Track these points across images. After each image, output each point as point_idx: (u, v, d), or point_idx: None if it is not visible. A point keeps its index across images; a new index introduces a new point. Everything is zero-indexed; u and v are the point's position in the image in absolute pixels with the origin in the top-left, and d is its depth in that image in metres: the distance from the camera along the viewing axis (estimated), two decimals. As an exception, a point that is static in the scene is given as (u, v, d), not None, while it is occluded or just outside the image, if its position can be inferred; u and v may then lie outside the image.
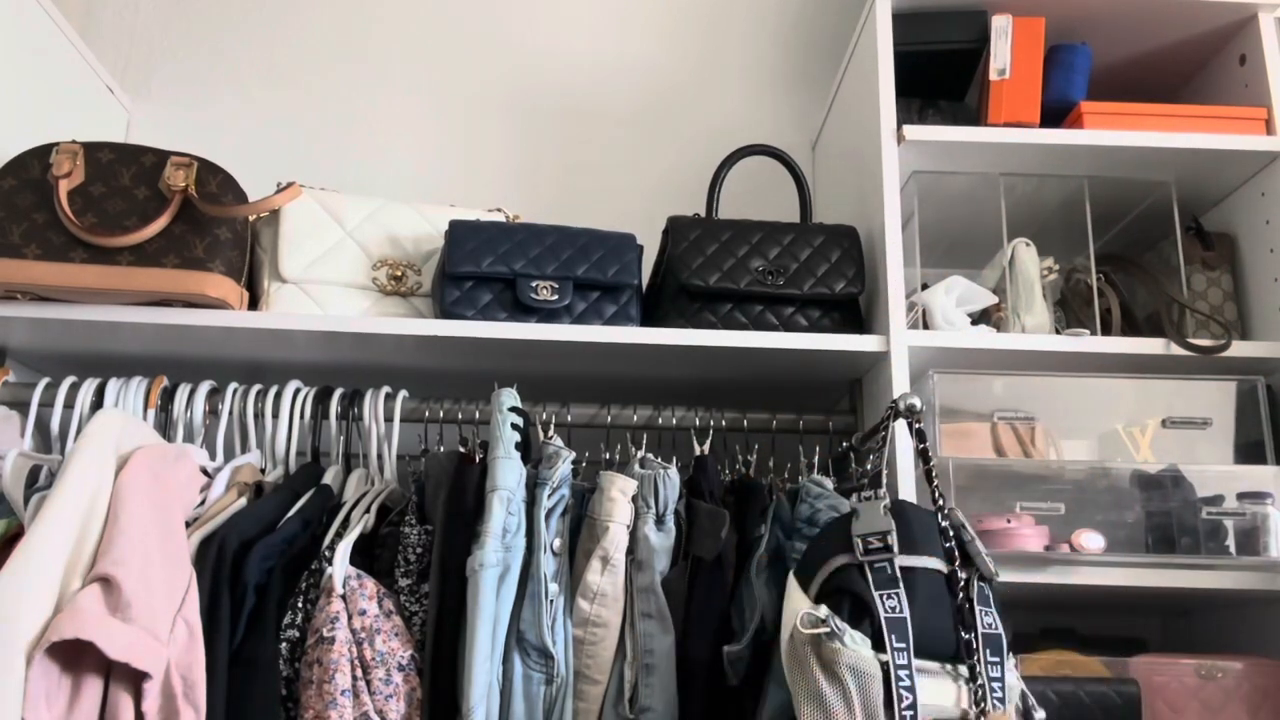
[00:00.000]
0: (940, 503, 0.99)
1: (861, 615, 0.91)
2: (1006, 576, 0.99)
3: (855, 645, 0.88)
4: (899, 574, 0.92)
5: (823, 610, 0.90)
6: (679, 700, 1.04)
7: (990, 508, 1.14)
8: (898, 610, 0.90)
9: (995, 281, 1.36)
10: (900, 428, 1.14)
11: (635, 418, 1.27)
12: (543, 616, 1.05)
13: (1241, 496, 1.17)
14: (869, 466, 1.10)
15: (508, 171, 1.76)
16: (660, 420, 1.27)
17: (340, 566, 1.03)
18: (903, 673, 0.87)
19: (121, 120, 1.71)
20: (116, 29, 1.79)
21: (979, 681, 0.90)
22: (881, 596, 0.90)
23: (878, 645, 0.89)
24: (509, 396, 1.15)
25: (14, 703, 0.85)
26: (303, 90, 1.78)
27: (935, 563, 0.95)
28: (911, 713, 0.86)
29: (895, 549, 0.92)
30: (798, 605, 0.94)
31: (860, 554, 0.93)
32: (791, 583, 0.98)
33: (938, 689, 0.90)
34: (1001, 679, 0.90)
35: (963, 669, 0.92)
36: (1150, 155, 1.34)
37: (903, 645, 0.88)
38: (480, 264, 1.26)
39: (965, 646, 0.92)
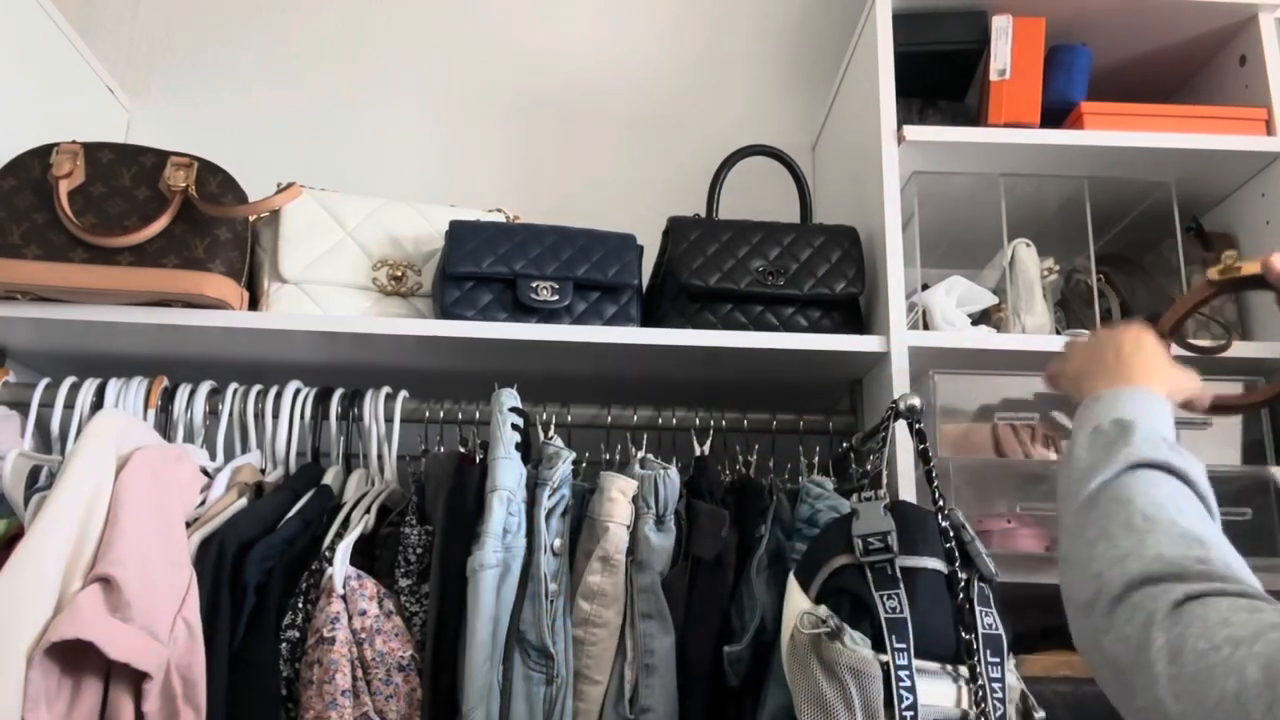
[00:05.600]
0: (940, 503, 0.99)
1: (862, 616, 0.91)
2: (1007, 577, 0.99)
3: (856, 646, 0.88)
4: (899, 574, 0.92)
5: (823, 610, 0.90)
6: (679, 700, 1.04)
7: (990, 508, 1.14)
8: (898, 611, 0.90)
9: (995, 282, 1.36)
10: (900, 428, 1.14)
11: (635, 418, 1.27)
12: (543, 617, 1.05)
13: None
14: (869, 467, 1.10)
15: (508, 172, 1.76)
16: (660, 421, 1.27)
17: (340, 567, 1.03)
18: (903, 673, 0.87)
19: (121, 120, 1.71)
20: (116, 29, 1.79)
21: (979, 682, 0.90)
22: (882, 597, 0.90)
23: (878, 646, 0.89)
24: (509, 397, 1.15)
25: (14, 703, 0.85)
26: (303, 90, 1.78)
27: (935, 563, 0.95)
28: (912, 713, 0.86)
29: (896, 549, 0.92)
30: (798, 605, 0.94)
31: (861, 554, 0.93)
32: (792, 583, 0.98)
33: (938, 690, 0.90)
34: (1002, 679, 0.90)
35: (963, 669, 0.92)
36: (1150, 156, 1.34)
37: (903, 646, 0.88)
38: (480, 264, 1.26)
39: (965, 647, 0.92)
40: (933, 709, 0.88)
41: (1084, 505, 0.74)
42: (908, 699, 0.86)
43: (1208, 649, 0.57)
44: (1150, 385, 0.85)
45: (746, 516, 1.16)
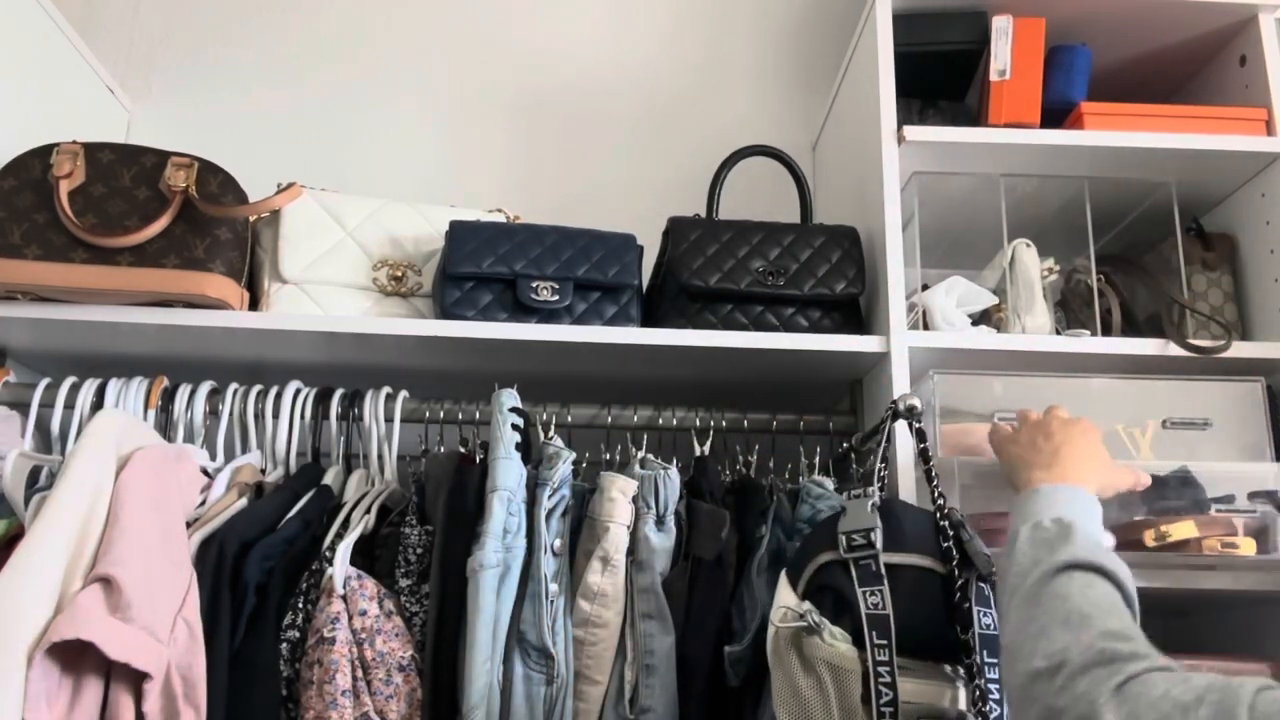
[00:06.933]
0: (940, 502, 0.99)
1: (844, 612, 0.91)
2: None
3: (834, 641, 0.88)
4: (884, 571, 0.92)
5: (804, 606, 0.91)
6: (679, 700, 1.05)
7: (997, 507, 1.14)
8: (880, 607, 0.90)
9: (996, 282, 1.35)
10: (900, 428, 1.14)
11: (635, 418, 1.27)
12: (543, 617, 1.05)
13: (1253, 495, 1.16)
14: (869, 467, 1.10)
15: (508, 172, 1.76)
16: (660, 421, 1.27)
17: (341, 567, 1.03)
18: (883, 669, 0.87)
19: (122, 120, 1.71)
20: (116, 29, 1.79)
21: (975, 682, 0.89)
22: (864, 593, 0.90)
23: (861, 642, 0.89)
24: (509, 397, 1.15)
25: (15, 703, 0.85)
26: (303, 90, 1.78)
27: (927, 561, 0.94)
28: (891, 709, 0.85)
29: (878, 546, 0.92)
30: (785, 601, 0.95)
31: (844, 550, 0.93)
32: (782, 580, 0.99)
33: (928, 689, 0.89)
34: (1000, 680, 0.90)
35: (961, 670, 0.92)
36: (1150, 156, 1.34)
37: (884, 642, 0.88)
38: (481, 264, 1.26)
39: (963, 647, 0.92)
40: (924, 707, 0.88)
41: (1026, 599, 0.82)
42: (887, 695, 0.86)
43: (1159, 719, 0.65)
44: (1084, 483, 0.96)
45: (747, 517, 1.16)
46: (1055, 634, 0.76)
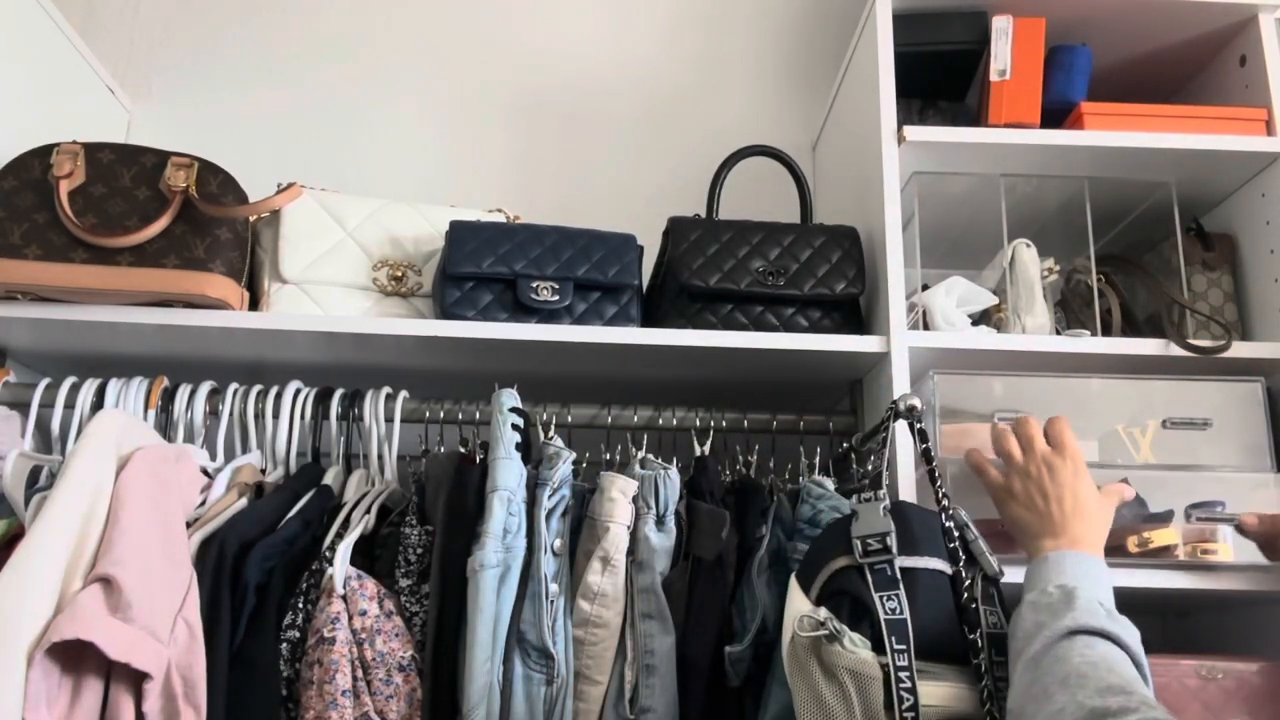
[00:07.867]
0: (944, 503, 0.99)
1: (861, 617, 0.91)
2: (1012, 578, 0.99)
3: (855, 648, 0.88)
4: (899, 575, 0.92)
5: (822, 613, 0.90)
6: (679, 700, 1.05)
7: (989, 512, 1.14)
8: (898, 612, 0.90)
9: (996, 282, 1.36)
10: (900, 428, 1.14)
11: (636, 418, 1.27)
12: (543, 617, 1.05)
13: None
14: (870, 467, 1.10)
15: (508, 172, 1.76)
16: (661, 421, 1.27)
17: (341, 567, 1.03)
18: (903, 674, 0.87)
19: (122, 120, 1.71)
20: (116, 29, 1.79)
21: (984, 682, 0.89)
22: (881, 598, 0.90)
23: (878, 647, 0.89)
24: (509, 397, 1.15)
25: (15, 703, 0.85)
26: (303, 90, 1.78)
27: (937, 563, 0.95)
28: (913, 714, 0.86)
29: (895, 550, 0.92)
30: (798, 608, 0.94)
31: (860, 556, 0.93)
32: (793, 585, 0.99)
33: (948, 691, 0.89)
34: (1009, 679, 0.90)
35: (970, 671, 0.92)
36: (1150, 156, 1.34)
37: (903, 647, 0.88)
38: (481, 264, 1.26)
39: (970, 647, 0.92)
40: (941, 709, 0.88)
41: (1028, 664, 0.84)
42: (908, 700, 0.86)
43: None
44: (1090, 546, 0.98)
45: (747, 517, 1.16)
46: (1055, 694, 0.79)
